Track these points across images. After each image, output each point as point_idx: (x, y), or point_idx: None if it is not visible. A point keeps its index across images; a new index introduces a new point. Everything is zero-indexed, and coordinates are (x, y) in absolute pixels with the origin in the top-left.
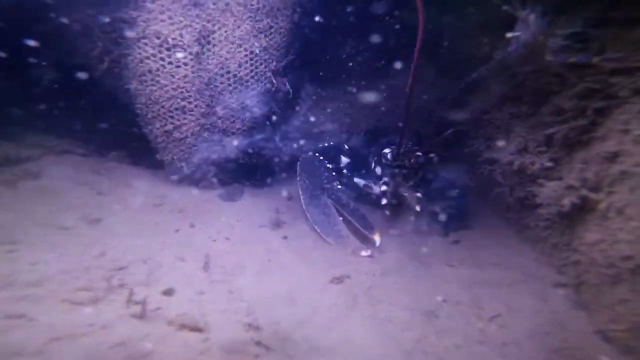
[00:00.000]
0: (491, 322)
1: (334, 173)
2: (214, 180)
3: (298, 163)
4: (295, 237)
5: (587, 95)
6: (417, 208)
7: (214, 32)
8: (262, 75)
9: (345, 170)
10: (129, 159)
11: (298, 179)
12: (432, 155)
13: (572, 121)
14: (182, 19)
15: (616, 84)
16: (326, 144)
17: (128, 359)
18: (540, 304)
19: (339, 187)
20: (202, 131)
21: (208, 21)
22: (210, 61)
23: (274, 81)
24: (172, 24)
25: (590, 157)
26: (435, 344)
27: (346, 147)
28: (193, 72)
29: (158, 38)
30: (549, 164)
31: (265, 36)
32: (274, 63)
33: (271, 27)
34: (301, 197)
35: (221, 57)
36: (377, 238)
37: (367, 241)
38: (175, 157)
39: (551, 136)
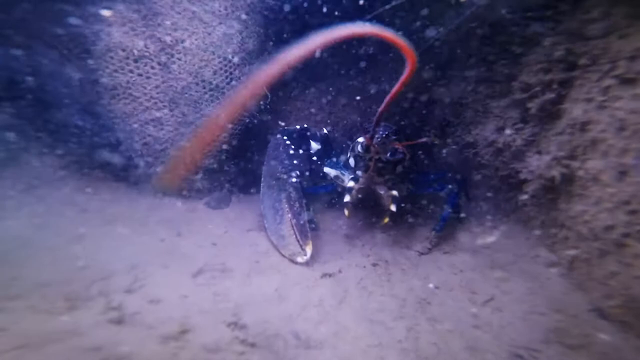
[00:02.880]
0: (485, 306)
1: (296, 161)
2: (200, 188)
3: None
4: None
5: (549, 68)
6: (392, 208)
7: (183, 40)
8: (237, 81)
9: (315, 158)
10: (112, 173)
11: (264, 162)
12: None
13: (541, 95)
14: (144, 29)
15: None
16: (297, 127)
17: None
18: (534, 285)
19: (294, 179)
20: (180, 141)
21: (175, 30)
22: (182, 70)
23: None
24: (135, 35)
25: (563, 129)
26: (429, 330)
27: (321, 131)
28: (164, 82)
29: (123, 50)
30: (530, 139)
31: (238, 42)
32: (248, 68)
33: (242, 32)
34: (261, 184)
35: (194, 65)
36: (308, 250)
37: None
38: (158, 170)
39: (525, 112)
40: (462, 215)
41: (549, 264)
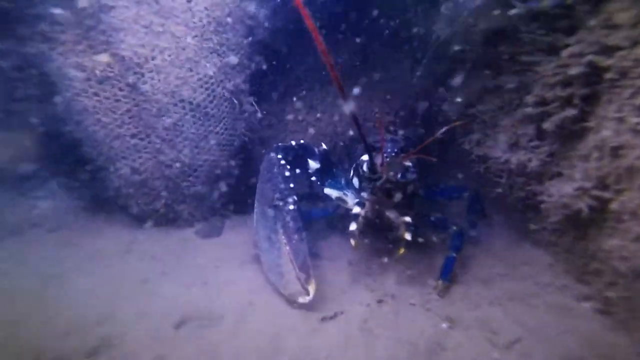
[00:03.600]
0: (509, 350)
1: (293, 184)
2: (189, 218)
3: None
4: None
5: (568, 82)
6: (407, 237)
7: (154, 57)
8: (220, 98)
9: (314, 178)
10: (93, 205)
11: (257, 184)
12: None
13: (561, 111)
14: (105, 47)
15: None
16: (293, 143)
17: None
18: (565, 322)
19: (292, 207)
20: (163, 169)
21: (141, 46)
22: (156, 91)
23: (235, 102)
24: (94, 53)
25: (589, 151)
26: None
27: (320, 147)
28: (136, 105)
29: (83, 71)
30: (547, 159)
31: (218, 55)
32: (231, 82)
33: (222, 44)
34: (254, 210)
35: (169, 84)
36: (311, 289)
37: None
38: (139, 202)
39: (542, 128)
40: (474, 234)
41: (581, 297)
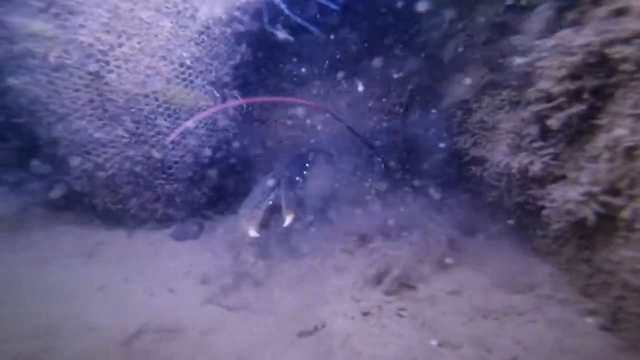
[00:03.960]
0: None
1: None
2: (164, 218)
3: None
4: (262, 278)
5: (577, 74)
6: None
7: (121, 44)
8: (200, 90)
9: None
10: (59, 204)
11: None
12: None
13: (567, 107)
14: (60, 31)
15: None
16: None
17: None
18: (567, 339)
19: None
20: (132, 165)
21: (106, 32)
22: (124, 80)
23: (217, 95)
24: (48, 39)
25: (599, 152)
26: None
27: None
28: (100, 95)
29: (33, 58)
30: (553, 162)
31: (196, 44)
32: (214, 74)
33: (201, 32)
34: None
35: (139, 73)
36: (289, 217)
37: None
38: (106, 200)
39: (546, 127)
40: None
41: (585, 311)
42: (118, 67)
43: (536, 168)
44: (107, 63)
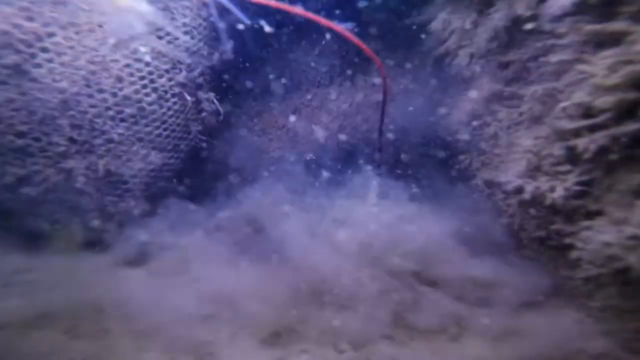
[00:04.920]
0: None
1: None
2: (114, 240)
3: None
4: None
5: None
6: None
7: (51, 34)
8: (165, 92)
9: None
10: None
11: None
12: None
13: (613, 127)
14: None
15: None
16: None
17: None
18: None
19: None
20: (69, 178)
21: (29, 19)
22: (59, 77)
23: (189, 98)
24: None
25: None
26: None
27: None
28: (24, 95)
29: None
30: (578, 189)
31: (160, 38)
32: (183, 74)
33: (170, 19)
34: None
35: (79, 69)
36: None
37: None
38: (39, 219)
39: (575, 148)
40: None
41: None
42: (49, 60)
43: (556, 195)
44: (33, 56)
